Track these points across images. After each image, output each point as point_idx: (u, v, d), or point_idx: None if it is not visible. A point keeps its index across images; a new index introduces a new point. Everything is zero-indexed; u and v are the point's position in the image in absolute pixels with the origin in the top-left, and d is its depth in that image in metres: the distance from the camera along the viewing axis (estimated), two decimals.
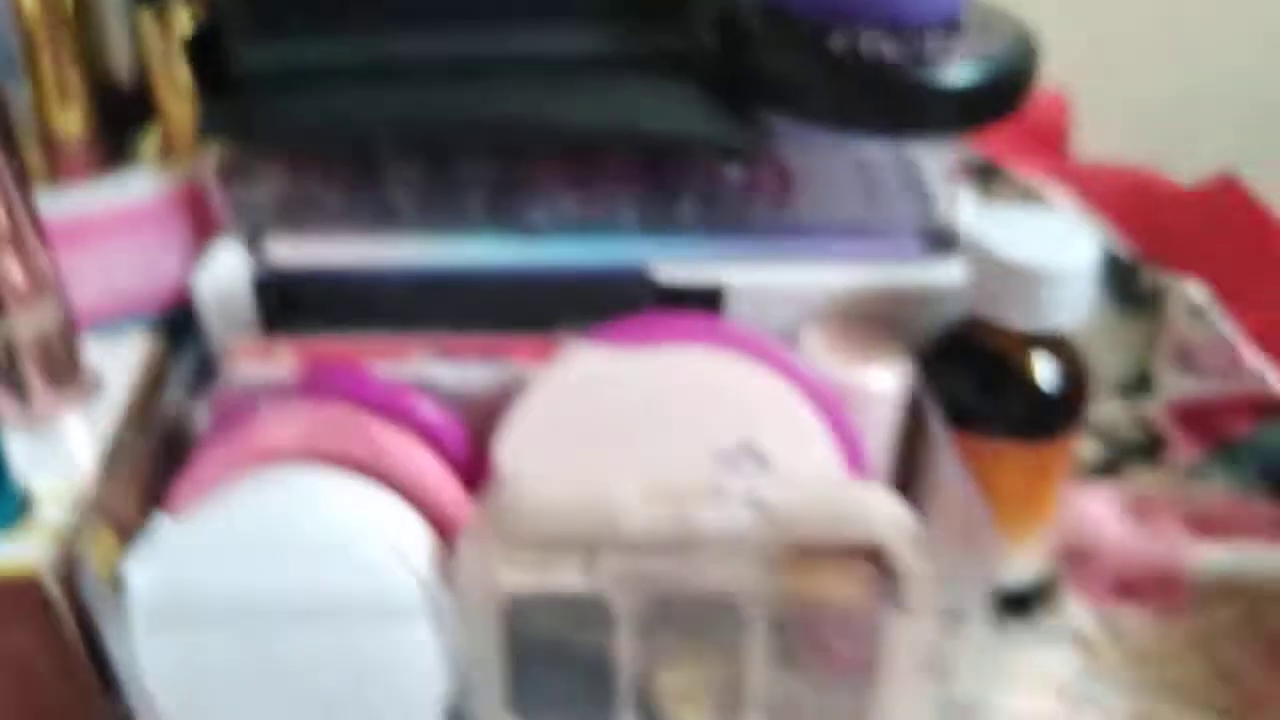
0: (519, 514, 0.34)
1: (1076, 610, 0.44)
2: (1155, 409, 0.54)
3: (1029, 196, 0.64)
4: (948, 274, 0.43)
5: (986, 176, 0.66)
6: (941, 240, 0.45)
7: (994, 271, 0.38)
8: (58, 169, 0.48)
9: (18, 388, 0.41)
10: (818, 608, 0.35)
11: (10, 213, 0.39)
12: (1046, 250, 0.38)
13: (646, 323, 0.38)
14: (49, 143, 0.48)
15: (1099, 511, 0.48)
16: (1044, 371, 0.39)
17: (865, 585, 0.34)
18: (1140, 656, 0.42)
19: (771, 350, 0.38)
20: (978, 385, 0.40)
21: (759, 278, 0.43)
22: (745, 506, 0.34)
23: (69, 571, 0.37)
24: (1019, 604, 0.44)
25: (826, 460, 0.38)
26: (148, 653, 0.34)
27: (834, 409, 0.38)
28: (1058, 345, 0.40)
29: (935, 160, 0.45)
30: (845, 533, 0.34)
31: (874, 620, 0.35)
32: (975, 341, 0.41)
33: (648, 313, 0.42)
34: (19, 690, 0.39)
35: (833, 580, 0.34)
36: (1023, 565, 0.44)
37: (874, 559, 0.34)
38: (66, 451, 0.41)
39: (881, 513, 0.34)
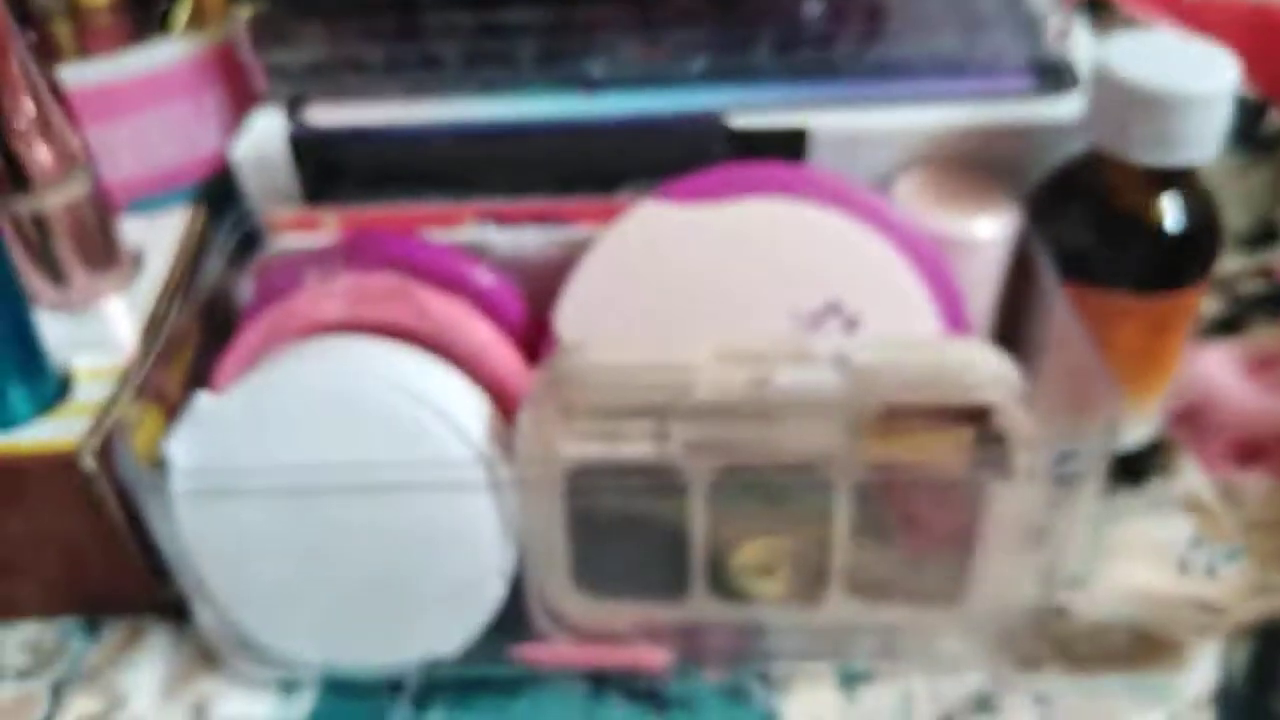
0: (582, 380, 0.31)
1: (1192, 475, 0.40)
2: (1279, 261, 0.49)
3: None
4: (1061, 109, 0.38)
5: (1091, 11, 0.60)
6: (1053, 74, 0.40)
7: (1119, 98, 0.33)
8: (86, 41, 0.45)
9: (54, 269, 0.39)
10: (911, 475, 0.32)
11: (32, 89, 0.36)
12: (1179, 74, 0.33)
13: (718, 174, 0.35)
14: (76, 13, 0.45)
15: (1218, 370, 0.44)
16: (1170, 214, 0.35)
17: (965, 451, 0.31)
18: (1259, 524, 0.38)
19: (861, 199, 0.34)
20: (1094, 231, 0.36)
21: (846, 120, 0.39)
22: (831, 366, 0.30)
23: (110, 450, 0.35)
24: (1131, 468, 0.41)
25: (924, 320, 0.35)
26: (194, 531, 0.33)
27: (932, 263, 0.35)
28: (1187, 184, 0.35)
29: None
30: (943, 393, 0.30)
31: (974, 489, 0.32)
32: (1093, 182, 0.36)
33: (720, 164, 0.39)
34: (67, 567, 0.37)
35: (928, 445, 0.31)
36: (1137, 427, 0.40)
37: (975, 421, 0.31)
38: (107, 331, 0.39)
39: (985, 370, 0.30)
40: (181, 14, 0.46)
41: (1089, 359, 0.33)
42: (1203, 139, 0.33)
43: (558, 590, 0.34)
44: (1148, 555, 0.38)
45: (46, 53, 0.45)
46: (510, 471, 0.32)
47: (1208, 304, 0.47)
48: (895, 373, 0.30)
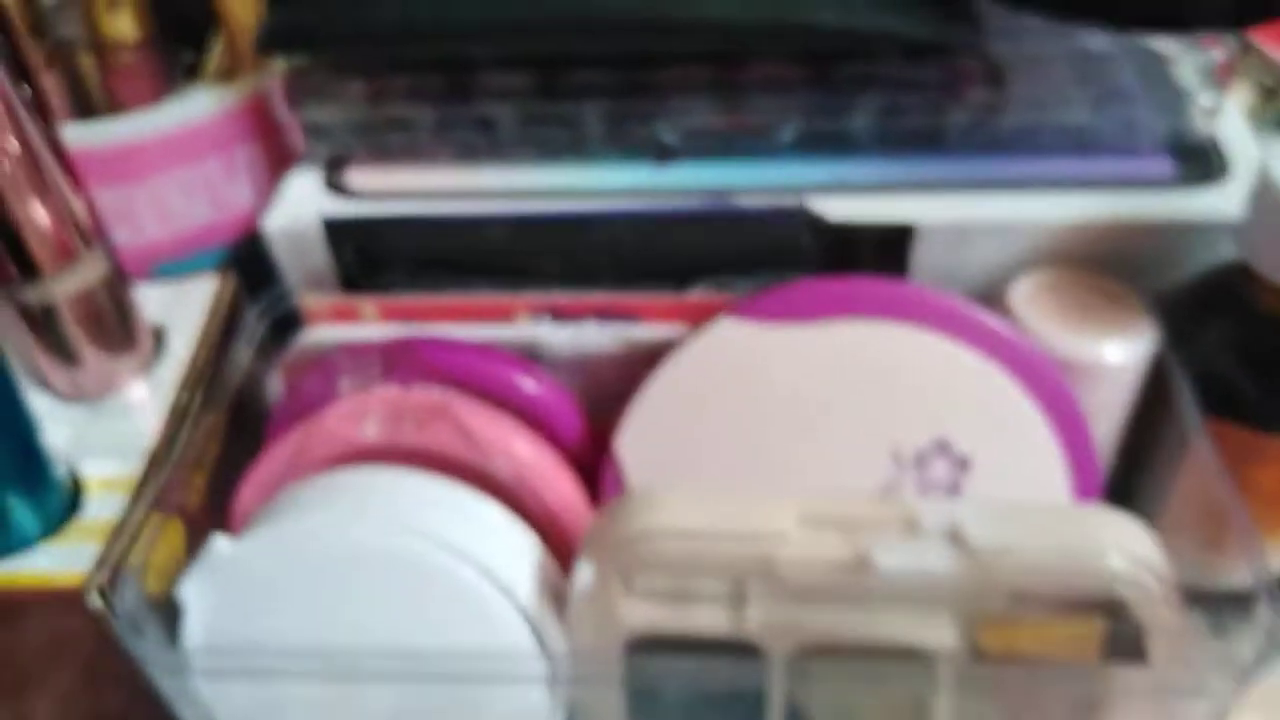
0: (649, 540, 0.27)
1: None
2: None
3: (1277, 76, 0.52)
4: (1209, 203, 0.33)
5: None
6: (1199, 160, 0.34)
7: None
8: (111, 81, 0.42)
9: (65, 355, 0.35)
10: (1029, 673, 0.27)
11: (36, 166, 0.32)
12: None
13: (810, 288, 0.30)
14: (101, 49, 0.41)
15: None
16: None
17: (1095, 645, 0.26)
18: None
19: (972, 318, 0.30)
20: (1246, 357, 0.31)
21: (957, 212, 0.34)
22: (943, 543, 0.26)
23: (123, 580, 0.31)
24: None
25: (1045, 462, 0.30)
26: (207, 693, 0.29)
27: (1056, 394, 0.30)
28: None
29: (1190, 55, 0.34)
30: (1075, 582, 0.26)
31: (1103, 683, 0.27)
32: (1243, 300, 0.31)
33: (809, 264, 0.34)
34: (84, 687, 0.34)
35: (1052, 638, 0.26)
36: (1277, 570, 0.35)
37: (1109, 612, 0.26)
38: (124, 428, 0.35)
39: (1125, 556, 0.26)
40: (212, 62, 0.42)
41: (1230, 506, 0.28)
42: None
43: None
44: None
45: (69, 86, 0.42)
46: (564, 639, 0.28)
47: None
48: (1020, 555, 0.26)
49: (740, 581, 0.27)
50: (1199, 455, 0.30)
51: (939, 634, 0.26)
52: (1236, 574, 0.33)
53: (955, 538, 0.26)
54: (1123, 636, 0.26)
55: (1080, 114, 0.35)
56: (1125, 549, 0.26)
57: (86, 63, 0.43)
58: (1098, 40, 0.35)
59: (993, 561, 0.25)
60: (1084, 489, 0.30)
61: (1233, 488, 0.29)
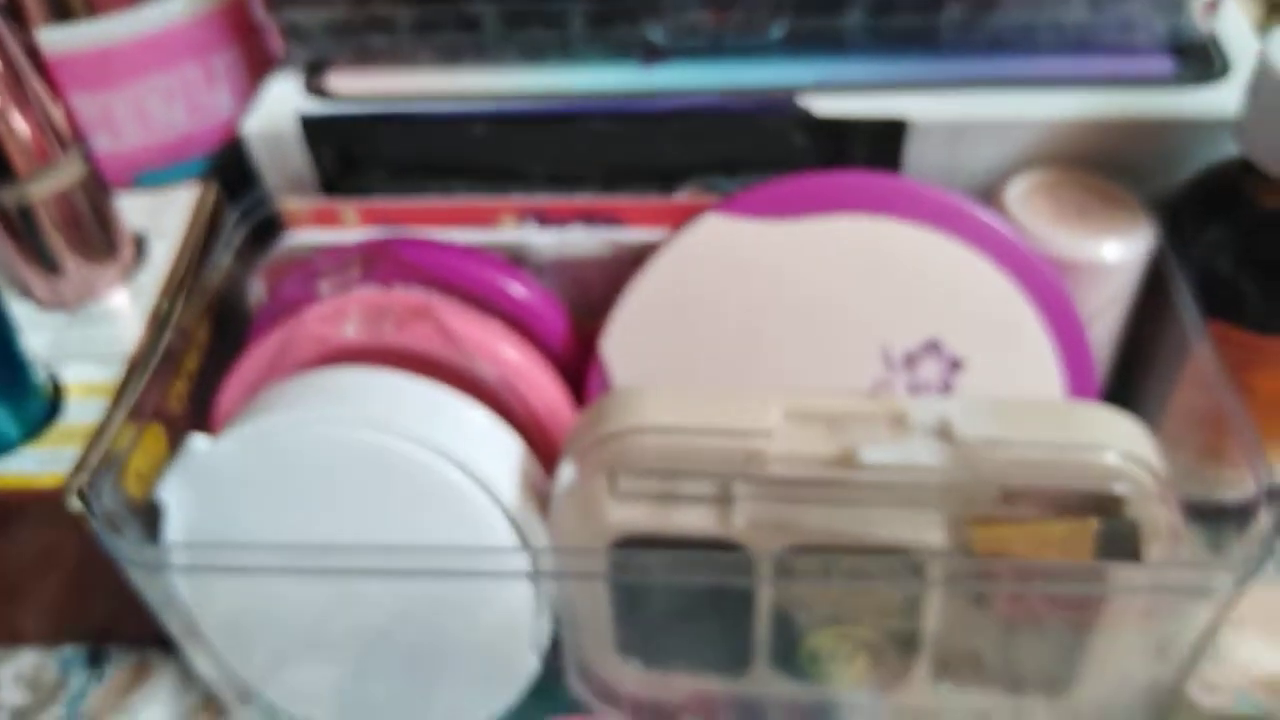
0: (632, 439, 0.26)
1: None
2: None
3: None
4: (1208, 101, 0.32)
5: None
6: (1199, 58, 0.33)
7: None
8: None
9: (45, 262, 0.35)
10: (1021, 572, 0.27)
11: (9, 66, 0.31)
12: None
13: (798, 182, 0.29)
14: None
15: None
16: None
17: (1089, 545, 0.26)
18: None
19: (967, 215, 0.29)
20: (1246, 257, 0.30)
21: (952, 108, 0.33)
22: (931, 438, 0.25)
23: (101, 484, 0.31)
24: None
25: (1040, 363, 0.29)
26: (189, 596, 0.29)
27: (1052, 293, 0.29)
28: None
29: None
30: (1069, 479, 0.25)
31: (1096, 580, 0.27)
32: (1244, 199, 0.30)
33: (801, 164, 0.33)
34: (69, 596, 0.35)
35: (1044, 537, 0.26)
36: (1275, 477, 0.34)
37: (1103, 509, 0.26)
38: (104, 334, 0.35)
39: (1121, 453, 0.25)
40: None
41: (1230, 408, 0.27)
42: None
43: (600, 659, 0.30)
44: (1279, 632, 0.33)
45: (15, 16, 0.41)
46: (549, 539, 0.27)
47: None
48: (1011, 450, 0.25)
49: (726, 481, 0.27)
50: (1200, 359, 0.30)
51: (928, 533, 0.26)
52: (1237, 486, 0.32)
53: (944, 433, 0.25)
54: (1117, 536, 0.26)
55: (1077, 11, 0.34)
56: (1121, 445, 0.25)
57: None
58: None
59: (983, 457, 0.25)
60: (1079, 392, 0.30)
61: (1235, 392, 0.28)
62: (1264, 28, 0.50)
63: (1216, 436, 0.32)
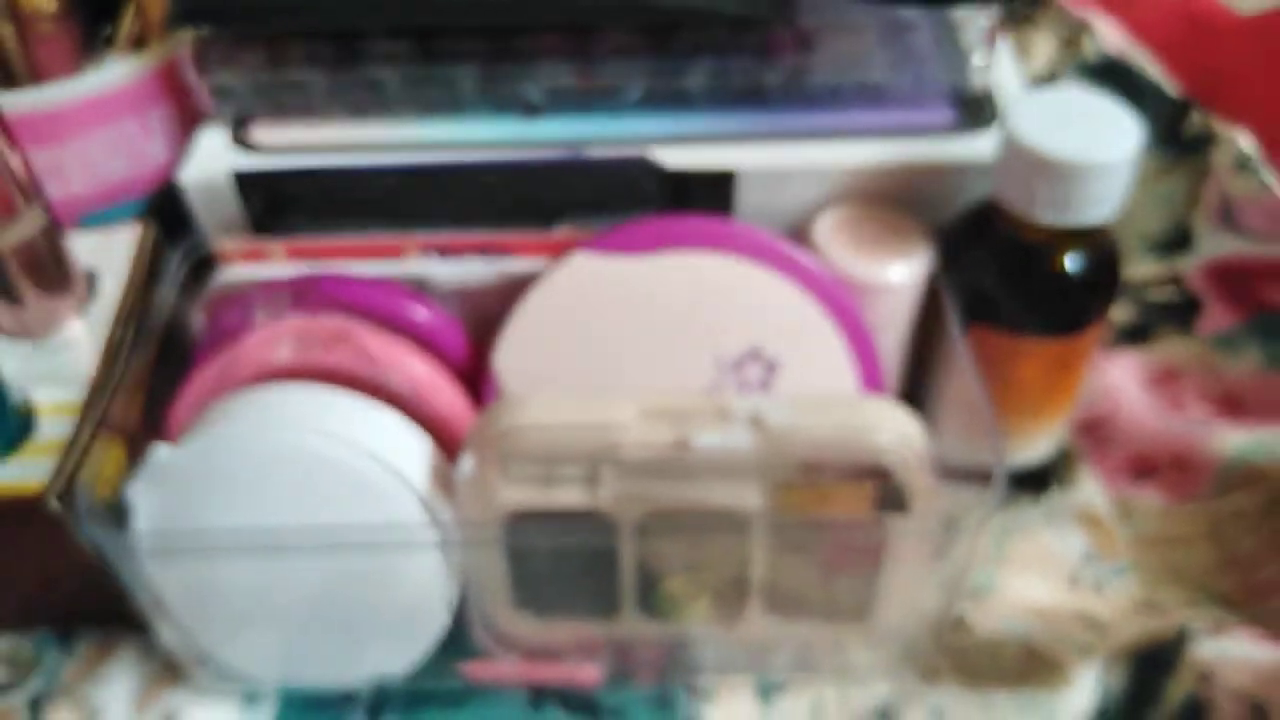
0: (518, 433, 0.33)
1: (1090, 488, 0.44)
2: (1191, 269, 0.51)
3: (1073, 28, 0.60)
4: (978, 147, 0.40)
5: (1031, 5, 0.61)
6: (974, 109, 0.41)
7: (1024, 162, 0.35)
8: (31, 48, 0.46)
9: (9, 296, 0.40)
10: (820, 524, 0.34)
11: None
12: (1083, 141, 0.35)
13: (647, 227, 0.36)
14: (20, 20, 0.45)
15: (1122, 382, 0.47)
16: (1073, 265, 0.37)
17: (870, 503, 0.34)
18: (1149, 540, 0.42)
19: (780, 251, 0.36)
20: (1000, 276, 0.38)
21: (772, 159, 0.40)
22: (746, 427, 0.33)
23: (75, 489, 0.37)
24: (1032, 481, 0.44)
25: (837, 362, 0.37)
26: (156, 576, 0.35)
27: (846, 310, 0.37)
28: (1090, 237, 0.37)
29: (977, 19, 0.40)
30: (851, 454, 0.33)
31: (878, 531, 0.35)
32: (1000, 228, 0.38)
33: (653, 205, 0.41)
34: (40, 587, 0.40)
35: (836, 498, 0.34)
36: (1039, 445, 0.43)
37: (881, 476, 0.33)
38: (66, 360, 0.40)
39: (890, 434, 0.33)
40: (123, 30, 0.46)
41: (983, 406, 0.35)
42: (1106, 201, 0.35)
43: (499, 613, 0.37)
44: (1043, 568, 0.41)
45: None
46: (453, 517, 0.34)
47: (1117, 310, 0.49)
48: (807, 434, 0.33)
49: (593, 465, 0.34)
50: (960, 358, 0.37)
51: (748, 498, 0.33)
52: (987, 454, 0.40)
53: (757, 422, 0.33)
54: (890, 495, 0.34)
55: (878, 72, 0.42)
56: (890, 428, 0.33)
57: (6, 31, 0.47)
58: (905, 12, 0.41)
59: (786, 439, 0.33)
60: (870, 387, 0.38)
61: (981, 383, 0.36)
62: (1059, 62, 0.59)
63: (978, 417, 0.40)
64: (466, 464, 0.34)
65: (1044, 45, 0.60)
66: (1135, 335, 0.49)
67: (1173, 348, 0.48)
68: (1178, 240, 0.52)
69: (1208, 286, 0.50)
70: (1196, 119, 0.54)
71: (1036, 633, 0.39)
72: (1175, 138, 0.54)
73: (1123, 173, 0.35)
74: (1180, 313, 0.49)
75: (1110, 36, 0.59)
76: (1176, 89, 0.56)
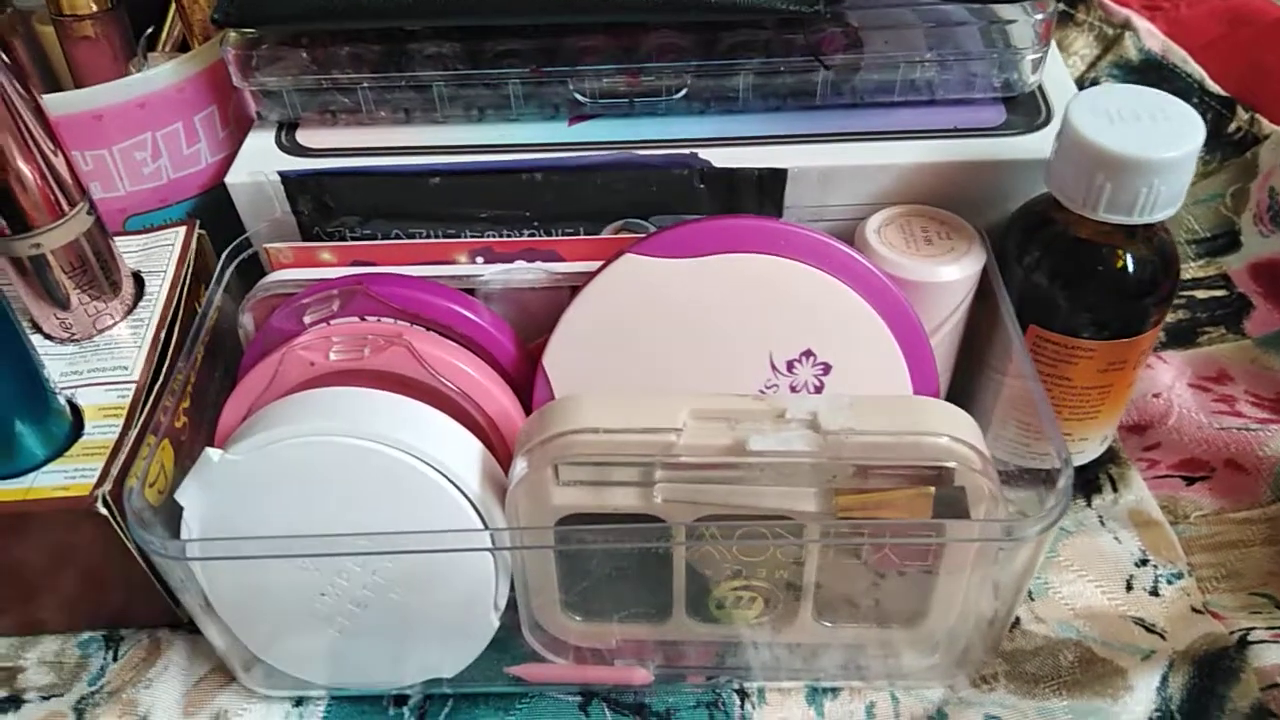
0: (571, 436, 0.33)
1: (1141, 491, 0.43)
2: (1238, 268, 0.50)
3: (1114, 27, 0.59)
4: (1031, 145, 0.40)
5: (1072, 4, 0.60)
6: (1027, 107, 0.41)
7: (1084, 157, 0.35)
8: (72, 49, 0.46)
9: (57, 301, 0.40)
10: (877, 528, 0.34)
11: (17, 120, 0.36)
12: (1145, 136, 0.34)
13: (698, 228, 0.36)
14: (60, 23, 0.45)
15: (1171, 383, 0.46)
16: (1133, 264, 0.36)
17: (927, 506, 0.33)
18: (1204, 544, 0.41)
19: (833, 252, 0.36)
20: (1057, 275, 0.38)
21: (823, 157, 0.40)
22: (803, 430, 0.33)
23: (123, 492, 0.37)
24: (1082, 483, 0.43)
25: (890, 362, 0.37)
26: (206, 580, 0.35)
27: (898, 309, 0.36)
28: (1150, 236, 0.37)
29: (1028, 18, 0.40)
30: (911, 457, 0.32)
31: (935, 534, 0.34)
32: (1056, 227, 0.38)
33: (701, 205, 0.40)
34: (87, 590, 0.40)
35: (894, 502, 0.33)
36: (1089, 447, 0.42)
37: (938, 479, 0.33)
38: (112, 363, 0.40)
39: (947, 435, 0.32)
40: (167, 32, 0.46)
41: (1040, 403, 0.35)
42: (1167, 199, 0.35)
43: (550, 616, 0.37)
44: (1097, 572, 0.40)
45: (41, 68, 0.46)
46: (505, 520, 0.34)
47: None
48: (866, 437, 0.32)
49: (647, 468, 0.34)
50: (1018, 358, 0.37)
51: (803, 502, 0.33)
52: (1047, 457, 0.40)
53: (813, 424, 0.32)
54: (950, 500, 0.33)
55: (927, 71, 0.41)
56: (950, 430, 0.32)
57: (47, 33, 0.47)
58: (954, 9, 0.41)
59: (842, 442, 0.32)
60: (922, 388, 0.37)
61: (1040, 384, 0.36)
62: (1101, 61, 0.58)
63: (1034, 416, 0.39)
64: (519, 467, 0.34)
65: (1084, 44, 0.59)
66: (1183, 336, 0.48)
67: (1222, 348, 0.47)
68: (1225, 240, 0.51)
69: (1255, 286, 0.49)
70: (1242, 119, 0.53)
71: (1092, 636, 0.38)
72: (1221, 137, 0.54)
73: (1188, 168, 0.34)
74: (1229, 313, 0.49)
75: (1151, 35, 0.58)
76: (1219, 89, 0.55)
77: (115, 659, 0.40)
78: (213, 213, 0.46)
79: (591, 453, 0.33)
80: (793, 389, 0.37)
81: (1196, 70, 0.56)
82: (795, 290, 0.36)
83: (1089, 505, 0.43)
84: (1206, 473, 0.43)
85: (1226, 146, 0.53)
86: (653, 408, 0.33)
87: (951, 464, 0.32)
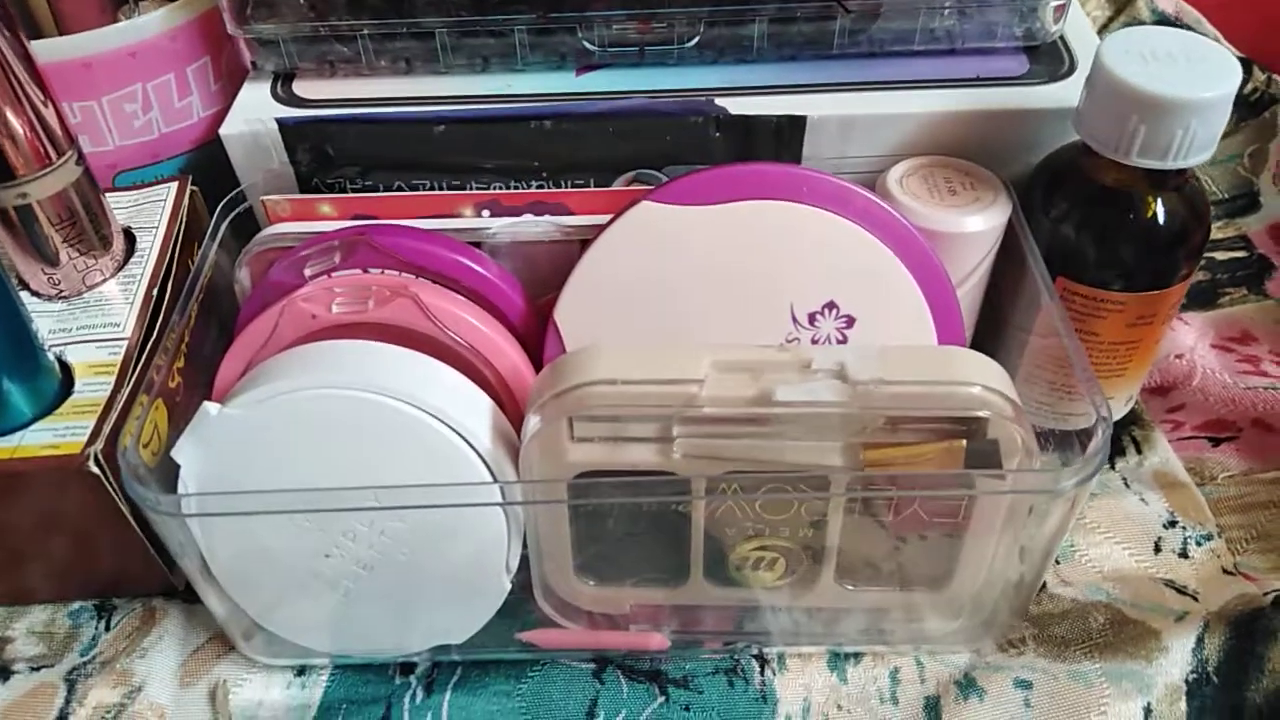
0: (587, 389, 0.32)
1: (1166, 452, 0.42)
2: (1258, 229, 0.49)
3: None
4: (1055, 94, 0.39)
5: None
6: (1049, 56, 0.40)
7: (1116, 99, 0.33)
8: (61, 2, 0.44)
9: (45, 256, 0.39)
10: (906, 483, 0.33)
11: (11, 76, 0.35)
12: (1179, 76, 0.33)
13: (715, 175, 0.35)
14: None
15: (1194, 344, 0.45)
16: (1165, 213, 0.35)
17: (958, 461, 0.32)
18: (1232, 505, 0.40)
19: (855, 197, 0.35)
20: (1086, 224, 0.36)
21: (842, 106, 0.39)
22: (831, 380, 0.31)
23: (115, 450, 0.35)
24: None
25: (915, 313, 0.35)
26: (204, 540, 0.33)
27: (923, 259, 0.35)
28: (1181, 183, 0.35)
29: None
30: (943, 408, 0.31)
31: (966, 486, 0.33)
32: (1085, 176, 0.36)
33: (717, 156, 0.39)
34: (78, 555, 0.38)
35: (923, 455, 0.32)
36: (1114, 407, 0.41)
37: (969, 431, 0.32)
38: (102, 320, 0.39)
39: (979, 384, 0.31)
40: None
41: (1075, 356, 0.33)
42: (1202, 143, 0.34)
43: (563, 579, 0.36)
44: (1125, 533, 0.39)
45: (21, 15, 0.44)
46: (518, 477, 0.33)
47: None
48: (895, 388, 0.31)
49: (666, 422, 0.32)
50: (1048, 311, 0.36)
51: (829, 456, 0.32)
52: (1080, 414, 0.39)
53: (841, 374, 0.31)
54: (982, 453, 0.32)
55: (948, 19, 0.40)
56: (981, 380, 0.31)
57: None
58: None
59: (872, 392, 0.31)
60: (947, 339, 0.36)
61: (1076, 338, 0.34)
62: (1110, 26, 0.57)
63: (1063, 374, 0.38)
64: (532, 423, 0.32)
65: (1095, 5, 0.58)
66: (1203, 297, 0.47)
67: (1245, 309, 0.46)
68: (1244, 201, 0.50)
69: (1276, 247, 0.48)
70: (1259, 77, 0.52)
71: (1122, 598, 0.37)
72: (1237, 98, 0.52)
73: (1224, 110, 0.33)
74: (1248, 272, 0.48)
75: None
76: (1235, 49, 0.54)
77: (108, 629, 0.39)
78: (205, 170, 0.44)
79: (609, 405, 0.32)
80: (816, 341, 0.35)
81: (1211, 30, 0.55)
82: (818, 239, 0.35)
83: (1112, 468, 0.42)
84: (1233, 433, 0.42)
85: (1243, 107, 0.52)
86: (673, 358, 0.32)
87: (985, 413, 0.31)
